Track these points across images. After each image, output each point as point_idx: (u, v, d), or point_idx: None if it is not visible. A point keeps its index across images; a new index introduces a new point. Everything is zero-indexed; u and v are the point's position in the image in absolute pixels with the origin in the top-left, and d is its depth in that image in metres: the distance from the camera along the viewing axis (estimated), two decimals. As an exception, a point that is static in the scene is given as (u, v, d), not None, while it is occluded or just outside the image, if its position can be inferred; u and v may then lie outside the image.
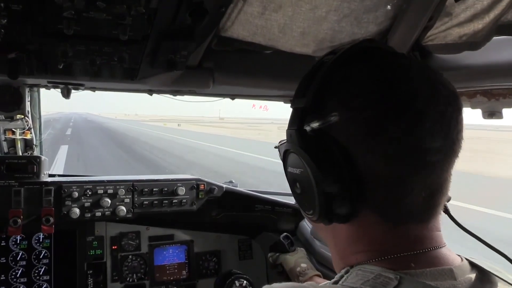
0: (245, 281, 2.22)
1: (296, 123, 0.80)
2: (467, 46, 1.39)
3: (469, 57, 1.42)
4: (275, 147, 1.09)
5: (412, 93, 0.73)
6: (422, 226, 0.77)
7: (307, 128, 0.79)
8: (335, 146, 0.74)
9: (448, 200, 0.86)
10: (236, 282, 2.19)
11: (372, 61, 0.79)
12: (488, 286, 0.76)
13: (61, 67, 1.32)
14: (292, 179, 0.85)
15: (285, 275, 2.14)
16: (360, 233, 0.79)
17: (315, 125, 0.78)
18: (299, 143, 0.78)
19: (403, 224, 0.76)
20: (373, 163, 0.73)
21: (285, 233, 2.17)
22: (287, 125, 0.84)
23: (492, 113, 1.51)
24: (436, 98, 0.73)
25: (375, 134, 0.72)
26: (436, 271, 0.72)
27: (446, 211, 0.89)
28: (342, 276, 0.79)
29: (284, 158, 0.87)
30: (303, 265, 2.07)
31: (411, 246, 0.75)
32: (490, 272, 0.80)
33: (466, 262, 0.79)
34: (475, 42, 1.37)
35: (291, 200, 2.76)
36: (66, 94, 1.64)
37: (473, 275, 0.76)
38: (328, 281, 0.86)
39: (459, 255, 0.82)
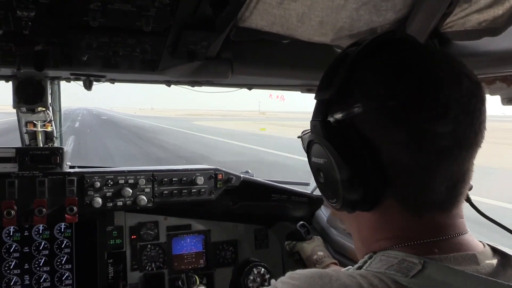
0: (263, 269, 2.25)
1: (320, 114, 0.82)
2: (487, 32, 1.39)
3: (488, 44, 1.42)
4: (298, 137, 1.11)
5: (436, 84, 0.74)
6: (445, 214, 0.78)
7: (331, 119, 0.81)
8: (359, 136, 0.76)
9: (470, 189, 0.88)
10: (254, 269, 2.22)
11: (396, 51, 0.80)
12: (510, 270, 0.77)
13: (85, 58, 1.35)
14: (316, 169, 0.87)
15: (302, 263, 2.16)
16: (383, 221, 0.81)
17: (339, 116, 0.80)
18: (323, 134, 0.80)
19: (426, 212, 0.78)
20: (397, 153, 0.74)
21: (301, 222, 2.20)
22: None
23: (511, 99, 1.51)
24: (460, 89, 0.74)
25: (399, 124, 0.74)
26: (459, 256, 0.74)
27: (468, 200, 0.90)
28: (365, 262, 0.80)
29: (308, 149, 0.89)
30: (320, 253, 2.09)
31: (434, 233, 0.77)
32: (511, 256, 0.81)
33: (488, 248, 0.81)
34: (494, 28, 1.37)
35: (307, 190, 2.78)
36: (88, 86, 1.67)
37: (495, 260, 0.77)
38: (350, 267, 0.88)
39: (481, 241, 0.83)
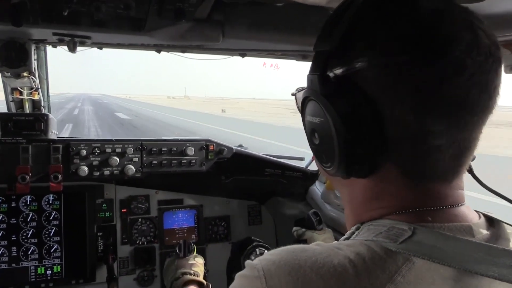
0: (266, 250, 2.18)
1: (318, 68, 0.74)
2: (491, -8, 1.32)
3: (492, 5, 1.34)
4: (292, 94, 1.02)
5: (451, 39, 0.66)
6: (446, 184, 0.73)
7: (330, 74, 0.74)
8: (361, 94, 0.69)
9: (473, 159, 0.81)
10: (257, 250, 2.07)
11: (408, 2, 0.71)
12: (502, 242, 0.73)
13: (65, 13, 1.28)
14: (310, 129, 0.79)
15: None
16: (379, 189, 0.75)
17: (339, 71, 0.73)
18: (321, 90, 0.72)
19: (426, 181, 0.72)
20: (402, 115, 0.67)
21: (313, 210, 2.09)
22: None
23: (515, 67, 1.44)
24: (476, 47, 0.66)
25: (408, 82, 0.66)
26: (454, 226, 0.69)
27: (470, 171, 0.84)
28: (353, 233, 0.75)
29: (303, 106, 0.81)
30: None
31: (430, 202, 0.71)
32: (506, 225, 0.77)
33: (483, 219, 0.76)
34: None
35: (301, 164, 2.73)
36: (72, 48, 1.59)
37: (489, 231, 0.73)
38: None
39: (476, 211, 0.78)
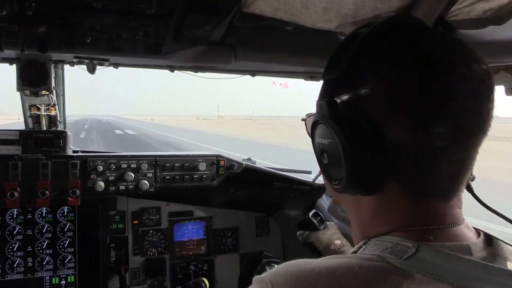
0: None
1: (327, 94, 0.83)
2: (492, 21, 1.37)
3: (493, 33, 1.40)
4: (302, 120, 1.10)
5: (446, 68, 0.73)
6: (445, 202, 0.78)
7: (338, 100, 0.81)
8: (365, 118, 0.75)
9: (473, 180, 0.89)
10: (267, 268, 2.03)
11: (407, 34, 0.79)
12: (500, 260, 0.78)
13: (88, 41, 1.35)
14: (319, 150, 0.86)
15: (318, 253, 2.06)
16: (383, 206, 0.81)
17: (345, 97, 0.80)
18: (329, 114, 0.79)
19: (427, 199, 0.78)
20: (402, 137, 0.74)
21: (314, 210, 2.12)
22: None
23: (515, 89, 1.50)
24: (469, 75, 0.73)
25: (407, 106, 0.73)
26: (453, 245, 0.74)
27: (470, 190, 0.91)
28: (360, 247, 0.81)
29: (313, 129, 0.88)
30: (337, 241, 2.00)
31: (432, 221, 0.77)
32: (504, 244, 0.82)
33: (482, 237, 0.81)
34: (500, 16, 1.35)
35: (309, 178, 2.78)
36: (91, 70, 1.67)
37: (487, 251, 0.78)
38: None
39: (476, 229, 0.84)
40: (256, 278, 0.78)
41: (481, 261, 0.73)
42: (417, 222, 0.77)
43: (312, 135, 0.90)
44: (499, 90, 1.55)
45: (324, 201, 2.65)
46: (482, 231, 0.84)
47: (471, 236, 0.80)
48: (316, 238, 2.06)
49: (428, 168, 0.75)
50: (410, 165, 0.76)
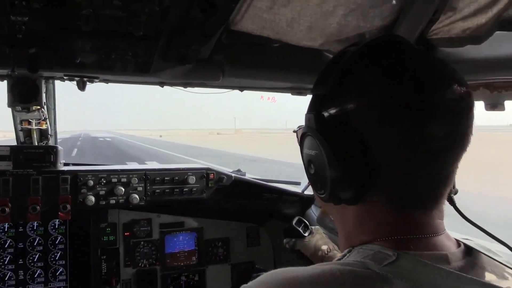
0: None
1: (315, 108, 0.87)
2: (470, 40, 1.42)
3: (472, 51, 1.45)
4: (294, 131, 1.14)
5: (428, 86, 0.77)
6: (426, 213, 0.82)
7: (325, 114, 0.84)
8: (351, 131, 0.79)
9: (456, 193, 0.93)
10: None
11: (393, 53, 0.84)
12: (477, 270, 0.81)
13: (78, 61, 1.38)
14: (307, 160, 0.90)
15: (306, 259, 2.05)
16: (367, 216, 0.85)
17: (333, 111, 0.83)
18: (316, 127, 0.83)
19: (408, 209, 0.81)
20: (386, 151, 0.78)
21: (297, 217, 2.13)
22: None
23: (494, 105, 1.55)
24: (450, 93, 0.78)
25: (389, 122, 0.77)
26: (432, 254, 0.78)
27: (452, 203, 0.95)
28: (345, 255, 0.84)
29: (301, 141, 0.92)
30: (324, 247, 1.99)
31: (413, 230, 0.81)
32: (483, 255, 0.86)
33: (462, 248, 0.84)
34: (478, 36, 1.40)
35: (298, 189, 2.82)
36: (81, 87, 1.69)
37: (465, 260, 0.81)
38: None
39: (457, 240, 0.87)
40: (243, 287, 0.80)
41: (458, 270, 0.76)
42: (398, 232, 0.81)
43: (301, 146, 0.94)
44: (478, 106, 1.60)
45: (313, 212, 2.69)
46: (463, 242, 0.87)
47: (450, 246, 0.83)
48: (302, 246, 2.07)
49: (409, 181, 0.79)
50: (393, 178, 0.79)
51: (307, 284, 0.73)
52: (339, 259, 0.84)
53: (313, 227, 2.13)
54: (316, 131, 0.83)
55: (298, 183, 2.93)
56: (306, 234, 2.07)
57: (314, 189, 0.92)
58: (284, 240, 2.14)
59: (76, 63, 1.42)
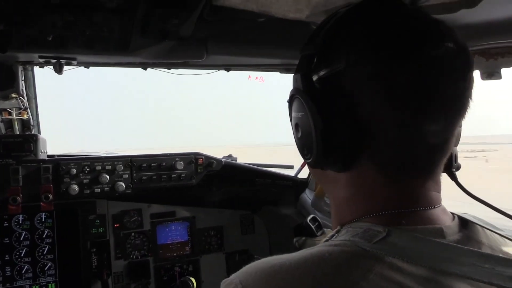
0: None
1: (302, 68, 0.81)
2: (464, 4, 1.36)
3: (466, 16, 1.39)
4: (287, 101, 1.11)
5: (420, 41, 0.72)
6: (420, 184, 0.77)
7: (313, 74, 0.80)
8: (338, 91, 0.74)
9: (458, 169, 0.88)
10: None
11: (385, 10, 0.78)
12: (473, 243, 0.78)
13: (50, 39, 1.31)
14: (294, 124, 0.85)
15: None
16: (357, 186, 0.79)
17: (321, 71, 0.79)
18: (303, 87, 0.78)
19: (400, 179, 0.76)
20: (376, 109, 0.72)
21: (312, 215, 2.05)
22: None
23: (491, 73, 1.49)
24: (444, 49, 0.72)
25: (380, 78, 0.72)
26: (426, 229, 0.73)
27: (453, 178, 0.91)
28: (333, 235, 0.79)
29: (290, 105, 0.87)
30: None
31: (405, 203, 0.76)
32: (479, 228, 0.82)
33: (457, 221, 0.80)
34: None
35: (291, 173, 2.77)
36: (58, 69, 1.62)
37: (460, 234, 0.77)
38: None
39: (452, 213, 0.82)
40: (225, 281, 0.75)
41: (453, 243, 0.72)
42: (390, 205, 0.76)
43: (289, 111, 0.89)
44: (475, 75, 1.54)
45: (308, 196, 2.64)
46: (458, 215, 0.83)
47: (446, 220, 0.78)
48: (312, 245, 1.94)
49: (400, 145, 0.74)
50: (383, 139, 0.74)
51: (295, 269, 0.68)
52: (327, 240, 0.78)
53: (325, 229, 2.06)
54: (302, 92, 0.78)
55: (291, 167, 2.88)
56: (318, 234, 1.99)
57: (301, 153, 0.86)
58: (295, 239, 2.06)
59: (49, 42, 1.34)
